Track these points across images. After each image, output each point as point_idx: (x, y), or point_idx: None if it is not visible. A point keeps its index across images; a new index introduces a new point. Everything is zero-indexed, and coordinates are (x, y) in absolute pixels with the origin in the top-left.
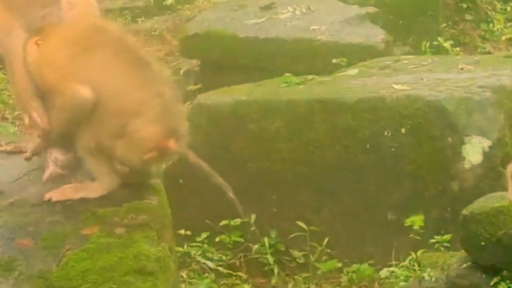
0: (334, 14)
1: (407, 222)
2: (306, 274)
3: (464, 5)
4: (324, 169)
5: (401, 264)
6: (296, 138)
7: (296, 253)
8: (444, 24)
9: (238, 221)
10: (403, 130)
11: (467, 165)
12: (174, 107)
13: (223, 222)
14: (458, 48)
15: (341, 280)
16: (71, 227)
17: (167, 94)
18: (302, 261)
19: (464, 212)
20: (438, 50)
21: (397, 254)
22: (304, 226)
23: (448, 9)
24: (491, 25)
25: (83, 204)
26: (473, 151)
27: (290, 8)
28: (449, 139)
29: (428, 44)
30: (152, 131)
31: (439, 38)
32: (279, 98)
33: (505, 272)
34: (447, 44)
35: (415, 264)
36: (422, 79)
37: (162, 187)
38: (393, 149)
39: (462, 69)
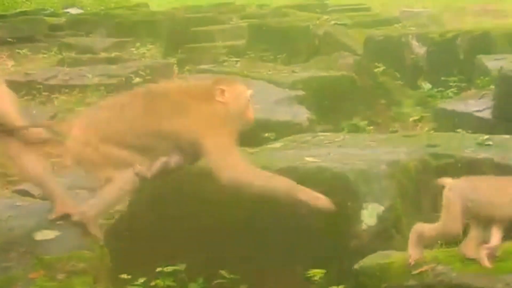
0: (268, 95)
1: (310, 273)
2: None
3: (379, 91)
4: (246, 227)
5: None
6: (224, 198)
7: None
8: (361, 107)
9: (170, 268)
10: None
11: (364, 227)
12: None
13: (158, 269)
14: (371, 127)
15: None
16: (22, 271)
17: None
18: None
19: (356, 266)
20: (355, 129)
21: None
22: (226, 275)
23: (365, 93)
24: (401, 108)
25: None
26: (369, 215)
27: None
28: (349, 204)
29: (346, 123)
30: None
31: (356, 118)
32: None
33: None
34: (362, 124)
35: None
36: (330, 153)
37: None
38: (302, 212)
39: (367, 145)
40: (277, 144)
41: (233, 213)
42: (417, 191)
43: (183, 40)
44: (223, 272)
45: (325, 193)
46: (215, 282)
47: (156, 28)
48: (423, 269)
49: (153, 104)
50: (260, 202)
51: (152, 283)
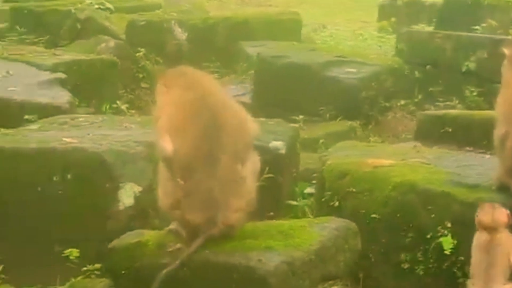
0: (29, 78)
1: (66, 253)
2: None
3: (140, 75)
4: (2, 208)
5: None
6: None
7: None
8: (123, 90)
9: None
10: (69, 176)
11: (121, 207)
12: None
13: None
14: (133, 111)
15: None
16: None
17: None
18: None
19: (110, 246)
20: (117, 112)
21: (62, 280)
22: None
23: (127, 77)
24: None
25: None
26: (127, 196)
27: None
28: (107, 185)
29: (108, 106)
30: None
31: (118, 102)
32: None
33: None
34: (124, 107)
35: None
36: (88, 134)
37: None
38: (60, 192)
39: (125, 127)
40: (35, 126)
41: None
42: None
43: None
44: None
45: (83, 175)
46: None
47: None
48: (177, 246)
49: None
50: (13, 181)
51: None
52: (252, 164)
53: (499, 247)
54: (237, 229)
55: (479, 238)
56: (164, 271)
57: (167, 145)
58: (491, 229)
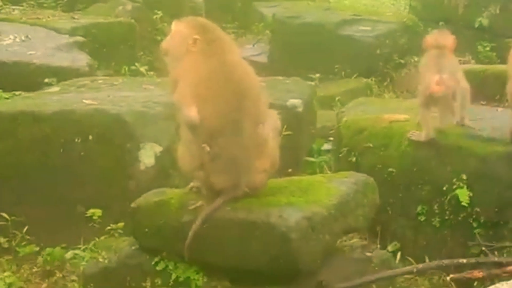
0: (48, 42)
1: (89, 213)
2: (9, 257)
3: (158, 37)
4: (26, 170)
5: (84, 247)
6: (2, 144)
7: (1, 239)
8: (142, 52)
9: None
10: (90, 137)
11: (143, 167)
12: None
13: None
14: (152, 72)
15: (37, 261)
16: None
17: None
18: (6, 246)
19: (133, 205)
20: (136, 74)
21: (86, 239)
22: (7, 217)
23: (145, 40)
24: None
25: None
26: (148, 156)
27: (11, 36)
28: (128, 145)
29: (127, 69)
30: None
31: (137, 64)
32: None
33: (164, 253)
34: (143, 69)
35: (97, 247)
36: (108, 96)
37: None
38: (81, 153)
39: (144, 88)
40: (55, 88)
41: (8, 155)
42: None
43: None
44: (3, 214)
45: (104, 136)
46: None
47: None
48: (198, 204)
49: None
50: (36, 144)
51: None
52: (272, 122)
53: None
54: (260, 190)
55: (427, 54)
56: (191, 232)
57: (193, 114)
58: (436, 47)
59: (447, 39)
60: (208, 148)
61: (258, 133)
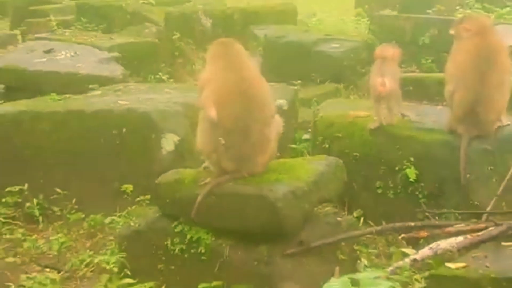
0: (92, 57)
1: (123, 188)
2: (61, 222)
3: (176, 53)
4: (74, 155)
5: (119, 214)
6: (56, 135)
7: (55, 209)
8: (163, 64)
9: (16, 188)
10: (124, 130)
11: (164, 152)
12: None
13: (8, 189)
14: (172, 80)
15: (83, 226)
16: None
17: None
18: (59, 213)
19: (156, 181)
20: (159, 81)
21: (120, 208)
22: (60, 191)
23: (166, 54)
24: (193, 65)
25: None
26: (168, 143)
27: (63, 52)
28: (153, 135)
29: (152, 77)
30: None
31: (160, 73)
32: (46, 109)
33: (181, 219)
34: (165, 77)
35: (129, 214)
36: (138, 98)
37: None
38: (117, 142)
39: (166, 92)
40: (97, 92)
41: (61, 143)
42: None
43: (24, 16)
44: (57, 189)
45: (134, 129)
46: (52, 197)
47: (3, 7)
48: (207, 180)
49: None
50: (82, 135)
51: (3, 200)
52: (277, 126)
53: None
54: (258, 174)
55: (375, 63)
56: (199, 198)
57: (212, 114)
58: (381, 57)
59: (388, 51)
60: (223, 142)
61: (264, 134)
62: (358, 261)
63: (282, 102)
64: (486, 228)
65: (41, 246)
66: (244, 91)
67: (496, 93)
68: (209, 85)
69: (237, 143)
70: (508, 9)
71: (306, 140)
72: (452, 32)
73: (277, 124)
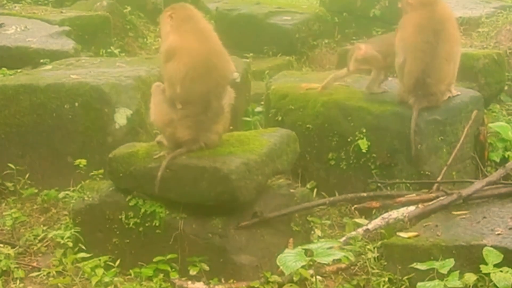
0: (42, 31)
1: (76, 162)
2: (14, 197)
3: (128, 26)
4: (26, 130)
5: (73, 189)
6: (7, 109)
7: (8, 184)
8: (115, 38)
9: None
10: (76, 104)
11: (117, 126)
12: None
13: None
14: (124, 54)
15: (37, 201)
16: None
17: None
18: (12, 189)
19: (110, 155)
20: (111, 55)
21: (74, 183)
22: (13, 167)
23: (117, 28)
24: (145, 39)
25: None
26: (121, 117)
27: (13, 27)
28: (106, 109)
29: (104, 51)
30: None
31: (112, 47)
32: None
33: (134, 192)
34: (116, 51)
35: (83, 189)
36: (90, 71)
37: None
38: (70, 116)
39: (118, 66)
40: (48, 67)
41: (13, 118)
42: None
43: None
44: (10, 164)
45: (86, 102)
46: (5, 173)
47: None
48: (161, 154)
49: None
50: (34, 110)
51: None
52: (229, 97)
53: None
54: (214, 146)
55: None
56: (159, 173)
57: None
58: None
59: None
60: (180, 106)
61: (220, 105)
62: (312, 232)
63: (234, 75)
64: (436, 197)
65: None
66: (210, 63)
67: (445, 64)
68: (176, 56)
69: (196, 113)
70: None
71: (259, 112)
72: (399, 4)
73: (230, 95)
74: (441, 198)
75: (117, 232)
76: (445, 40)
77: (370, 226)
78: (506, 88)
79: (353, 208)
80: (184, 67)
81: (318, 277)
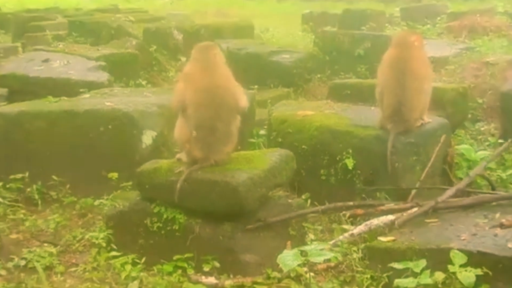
0: (82, 65)
1: (109, 176)
2: (57, 205)
3: (153, 62)
4: (68, 148)
5: (107, 198)
6: (52, 131)
7: (52, 193)
8: (142, 72)
9: (19, 175)
10: (110, 127)
11: (144, 146)
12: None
13: (12, 176)
14: (149, 85)
15: (76, 207)
16: None
17: None
18: (55, 197)
19: (138, 170)
20: (139, 86)
21: (107, 193)
22: (56, 178)
23: (145, 63)
24: (168, 73)
25: None
26: (147, 138)
27: (58, 61)
28: (134, 132)
29: (133, 83)
30: None
31: (139, 79)
32: (43, 109)
33: (158, 201)
34: (143, 83)
35: (115, 198)
36: (121, 100)
37: None
38: (104, 137)
39: (145, 95)
40: (87, 95)
41: (57, 138)
42: None
43: (24, 31)
44: (54, 176)
45: (118, 126)
46: (49, 183)
47: (6, 23)
48: (180, 169)
49: None
50: (74, 132)
51: (7, 186)
52: (238, 122)
53: None
54: (223, 163)
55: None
56: (178, 185)
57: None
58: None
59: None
60: (195, 133)
61: (228, 130)
62: (306, 236)
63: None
64: (411, 207)
65: (40, 224)
66: (216, 94)
67: (415, 96)
68: (186, 84)
69: (206, 136)
70: (428, 26)
71: (262, 135)
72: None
73: (237, 121)
74: (415, 209)
75: (143, 234)
76: (413, 77)
77: (355, 231)
78: (469, 116)
79: (342, 215)
80: (189, 92)
81: (311, 273)
